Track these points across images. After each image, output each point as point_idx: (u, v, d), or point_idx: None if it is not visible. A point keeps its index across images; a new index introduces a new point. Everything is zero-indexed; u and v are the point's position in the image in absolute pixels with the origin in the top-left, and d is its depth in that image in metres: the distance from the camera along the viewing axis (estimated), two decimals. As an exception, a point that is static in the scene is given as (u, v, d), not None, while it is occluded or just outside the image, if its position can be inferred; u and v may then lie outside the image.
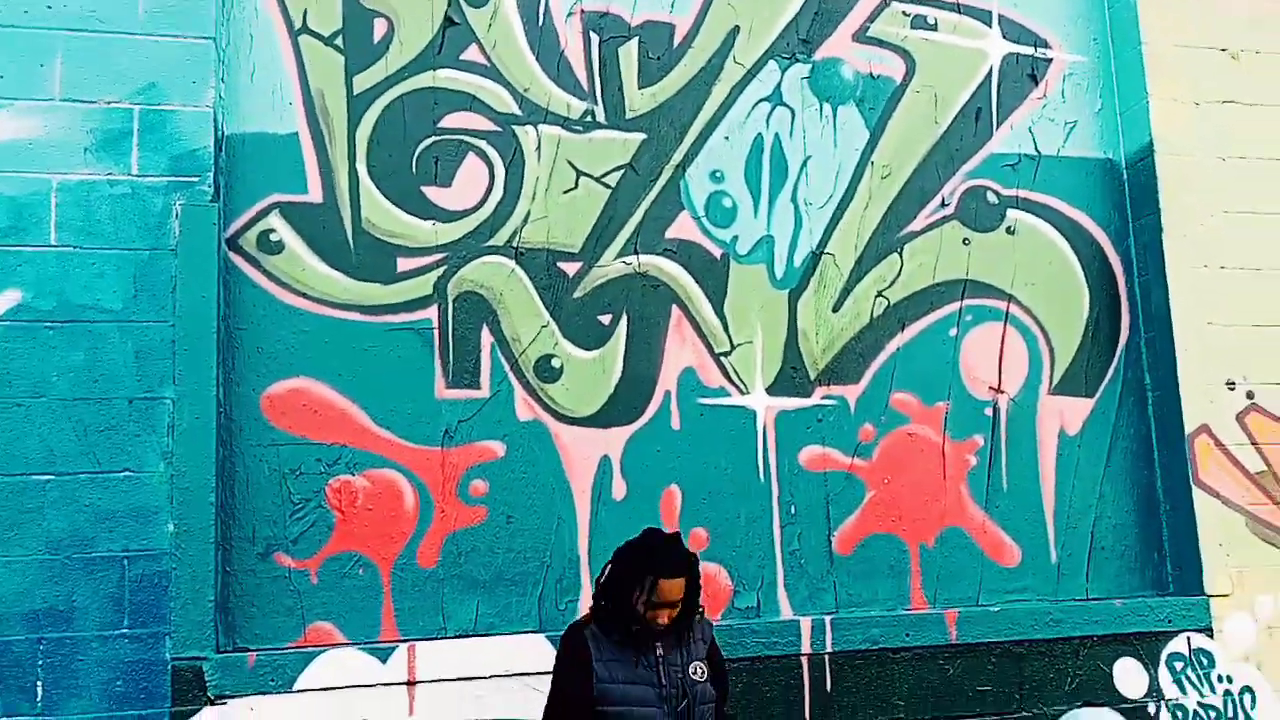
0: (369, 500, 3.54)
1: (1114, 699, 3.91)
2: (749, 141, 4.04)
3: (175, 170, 3.43)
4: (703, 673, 2.85)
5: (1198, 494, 4.09)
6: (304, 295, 3.62)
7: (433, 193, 3.77)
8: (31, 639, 3.14)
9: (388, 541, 3.54)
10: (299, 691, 3.28)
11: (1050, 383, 4.22)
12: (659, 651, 2.82)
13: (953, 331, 4.15)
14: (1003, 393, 4.16)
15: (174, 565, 3.24)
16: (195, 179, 3.43)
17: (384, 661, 3.36)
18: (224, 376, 3.45)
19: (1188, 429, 4.11)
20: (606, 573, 2.86)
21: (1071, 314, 4.28)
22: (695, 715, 2.81)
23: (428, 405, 3.63)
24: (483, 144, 3.83)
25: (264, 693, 3.25)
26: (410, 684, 3.36)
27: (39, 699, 3.12)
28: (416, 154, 3.77)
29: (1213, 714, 4.01)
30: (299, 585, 3.46)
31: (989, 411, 4.13)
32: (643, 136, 3.92)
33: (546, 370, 3.77)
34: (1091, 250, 4.35)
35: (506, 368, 3.73)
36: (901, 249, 4.14)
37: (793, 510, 3.88)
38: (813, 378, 3.98)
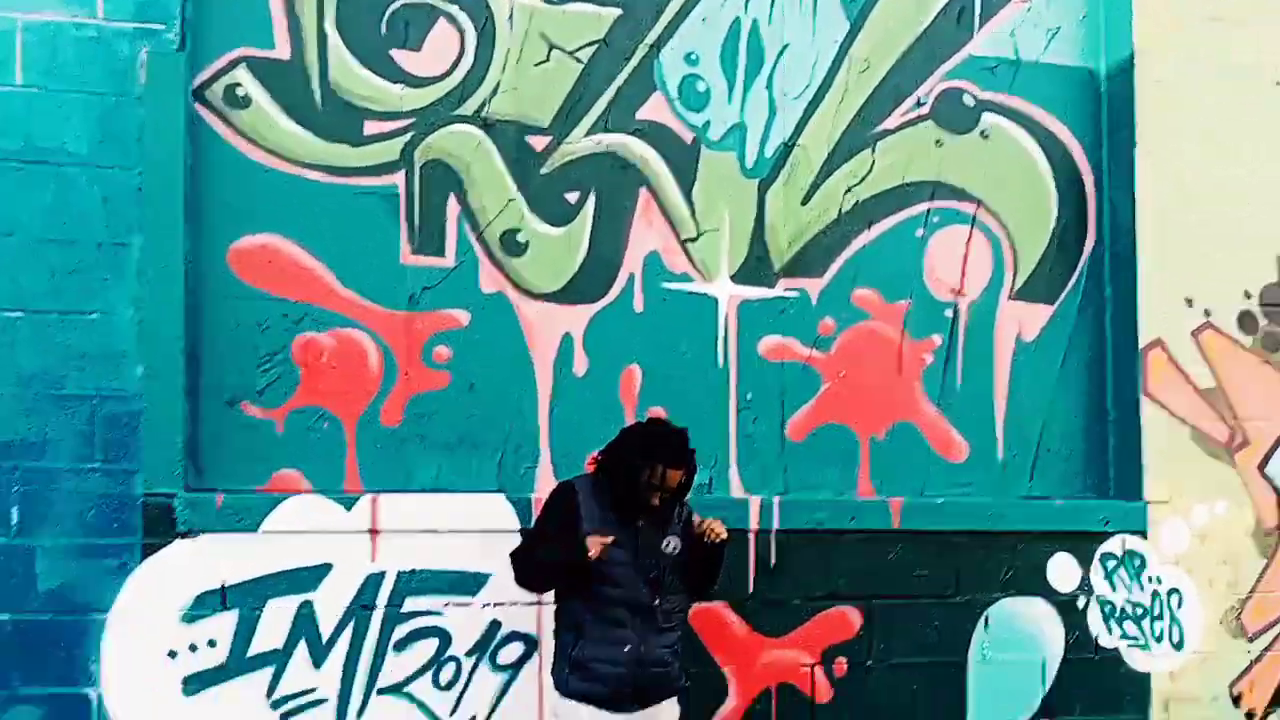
0: (334, 358, 3.99)
1: (1046, 591, 4.50)
2: (726, 25, 4.44)
3: (141, 16, 3.76)
4: (674, 546, 3.45)
5: (1146, 404, 4.63)
6: (271, 152, 3.99)
7: (401, 57, 4.15)
8: (6, 467, 3.60)
9: (352, 399, 4.00)
10: (265, 533, 3.78)
11: (1012, 288, 4.73)
12: (639, 523, 3.43)
13: (919, 232, 4.64)
14: (963, 295, 4.67)
15: (143, 407, 3.69)
16: (161, 26, 3.78)
17: (348, 510, 3.85)
18: (191, 228, 3.84)
19: (1142, 342, 4.64)
20: (615, 447, 3.44)
21: (1039, 222, 4.77)
22: (664, 583, 3.42)
23: (393, 270, 4.07)
24: (454, 9, 4.21)
25: (232, 531, 3.74)
26: (373, 532, 3.87)
27: (13, 524, 3.59)
28: (386, 16, 4.13)
29: (1139, 610, 4.61)
30: (265, 434, 3.92)
31: (949, 313, 4.64)
32: (618, 12, 4.31)
33: (512, 244, 4.22)
34: (1064, 160, 4.82)
35: (472, 239, 4.18)
36: (874, 146, 4.59)
37: (749, 397, 4.38)
38: (776, 269, 4.46)
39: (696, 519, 3.48)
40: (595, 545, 3.31)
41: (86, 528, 3.62)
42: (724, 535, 3.46)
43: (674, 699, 3.47)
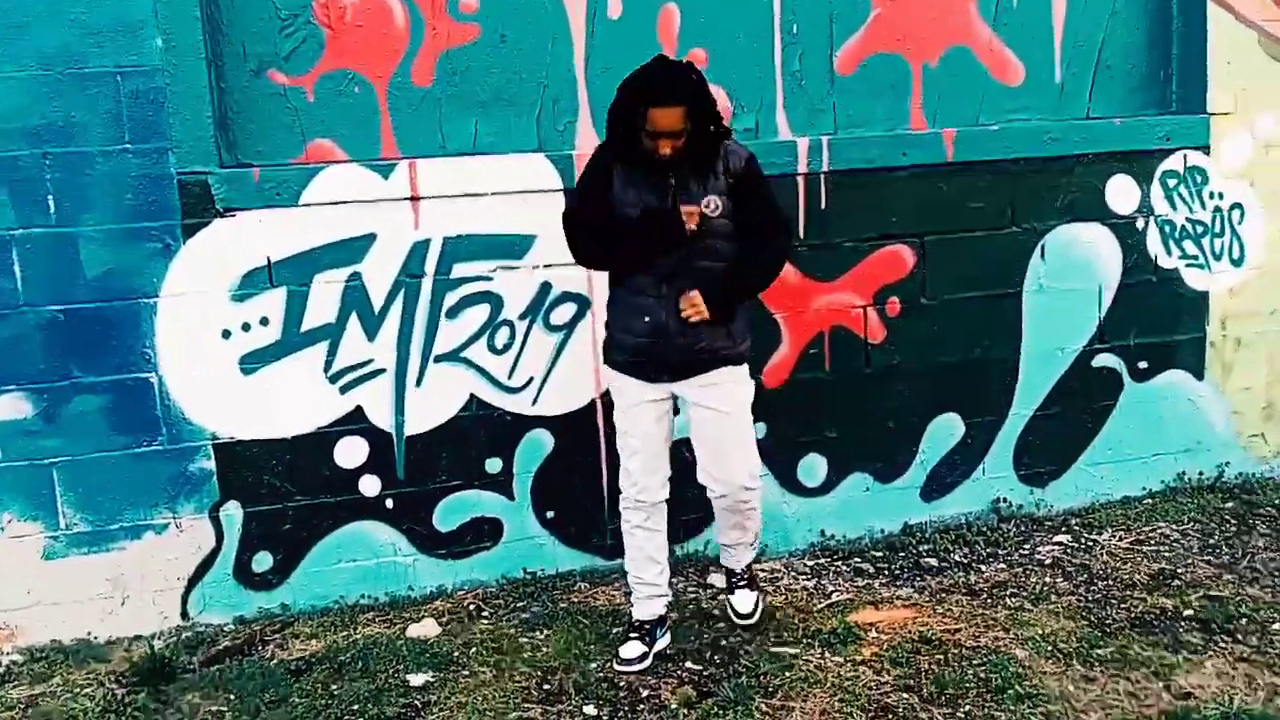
0: (358, 16, 4.40)
1: (1105, 215, 5.22)
2: None
3: None
4: (715, 206, 3.62)
5: (1212, 9, 5.14)
6: None
7: None
8: (36, 154, 4.12)
9: (381, 59, 4.44)
10: (305, 205, 4.40)
11: (1074, -110, 5.11)
12: (671, 180, 3.69)
13: None
14: (1021, -101, 5.06)
15: (167, 81, 4.19)
16: None
17: (386, 178, 4.44)
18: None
19: (1212, -63, 5.10)
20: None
21: None
22: (693, 250, 3.62)
23: (410, -87, 4.45)
24: None
25: (271, 206, 4.35)
26: (414, 199, 4.50)
27: (51, 212, 4.20)
28: None
29: (1200, 229, 5.35)
30: (296, 103, 4.43)
31: (1006, -80, 5.06)
32: None
33: (535, -124, 4.52)
34: None
35: (490, -127, 4.49)
36: None
37: (794, 29, 4.86)
38: (818, -116, 4.82)
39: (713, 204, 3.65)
40: (691, 217, 3.55)
41: (125, 211, 4.16)
42: (703, 315, 3.60)
43: (734, 367, 3.75)
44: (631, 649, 3.97)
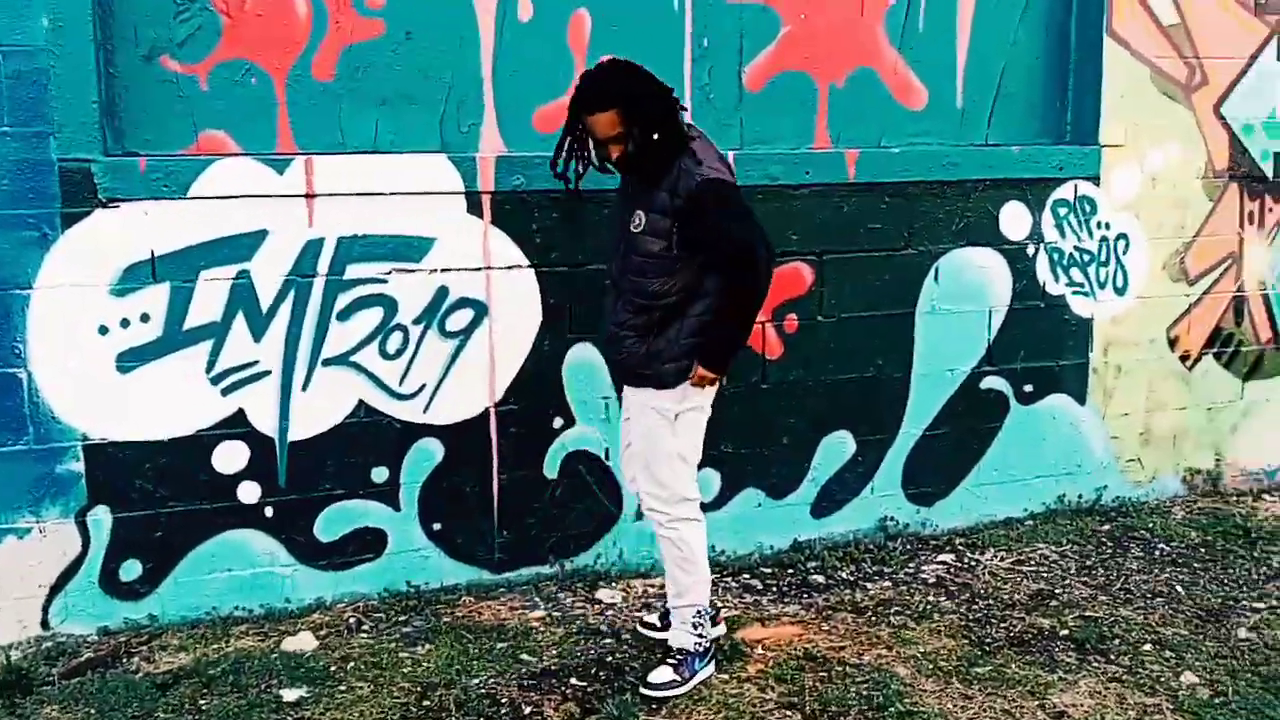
0: (257, 5, 4.20)
1: (997, 240, 5.35)
2: None
3: None
4: (641, 222, 3.57)
5: (1109, 44, 5.32)
6: None
7: None
8: (-94, 132, 3.91)
9: (280, 50, 4.29)
10: (194, 198, 4.23)
11: (978, -80, 5.22)
12: (630, 190, 3.76)
13: None
14: (929, -74, 5.14)
15: (52, 63, 3.97)
16: None
17: (281, 173, 4.30)
18: None
19: (1109, -25, 5.25)
20: None
21: None
22: (626, 262, 3.65)
23: (315, -97, 4.30)
24: None
25: (158, 198, 4.17)
26: (309, 196, 4.37)
27: (-81, 195, 3.96)
28: None
29: (1086, 257, 5.52)
30: (188, 91, 4.25)
31: (913, -52, 5.14)
32: None
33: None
34: None
35: None
36: None
37: (705, 43, 4.85)
38: (732, -102, 4.82)
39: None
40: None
41: (1, 197, 3.98)
42: (709, 378, 3.70)
43: (653, 390, 3.69)
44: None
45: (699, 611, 3.85)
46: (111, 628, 4.29)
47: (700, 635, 3.85)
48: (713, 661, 3.93)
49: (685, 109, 3.75)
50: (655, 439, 3.74)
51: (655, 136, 3.48)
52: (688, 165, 3.51)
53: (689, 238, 3.51)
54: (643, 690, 3.79)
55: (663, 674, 3.81)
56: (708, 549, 3.93)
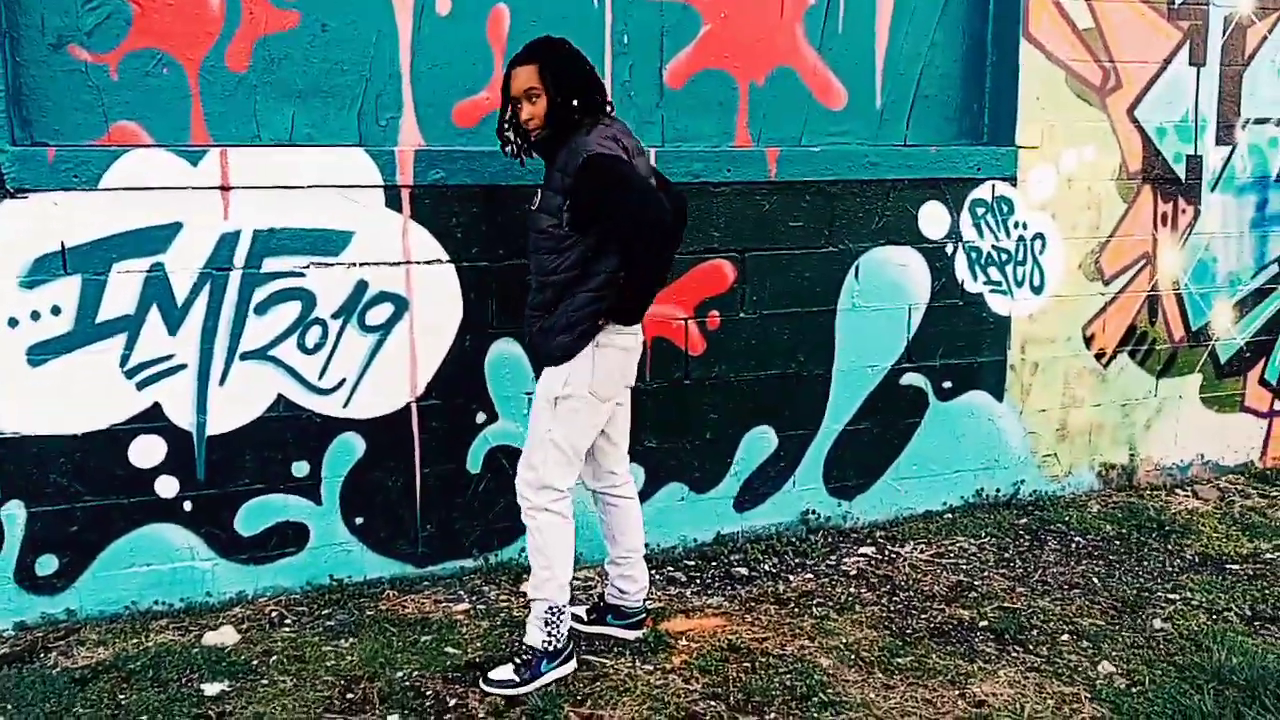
0: (168, -8, 4.25)
1: (916, 239, 5.39)
2: None
3: None
4: (537, 199, 3.67)
5: (1025, 47, 5.39)
6: None
7: None
8: None
9: (193, 41, 4.24)
10: (106, 190, 4.16)
11: (897, -77, 5.27)
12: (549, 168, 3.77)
13: None
14: (848, -72, 5.19)
15: (-43, 50, 3.93)
16: None
17: (195, 165, 4.24)
18: None
19: (1025, -21, 5.33)
20: None
21: None
22: (528, 241, 3.73)
23: (229, -110, 4.27)
24: None
25: (68, 189, 4.10)
26: (224, 189, 4.31)
27: None
28: None
29: (1004, 256, 5.58)
30: (98, 81, 4.19)
31: (832, -51, 5.18)
32: None
33: None
34: None
35: None
36: None
37: (625, 40, 4.86)
38: (653, -104, 4.84)
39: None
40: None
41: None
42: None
43: (550, 366, 3.70)
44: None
45: (550, 609, 3.75)
46: (28, 623, 4.22)
47: (551, 634, 3.77)
48: (568, 662, 3.83)
49: (611, 104, 3.70)
50: (536, 420, 3.74)
51: (574, 103, 3.55)
52: (578, 143, 3.53)
53: (578, 214, 3.53)
54: (481, 684, 3.75)
55: (502, 672, 3.77)
56: (574, 550, 3.87)
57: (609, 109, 3.74)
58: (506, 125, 3.80)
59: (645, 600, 4.17)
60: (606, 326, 3.64)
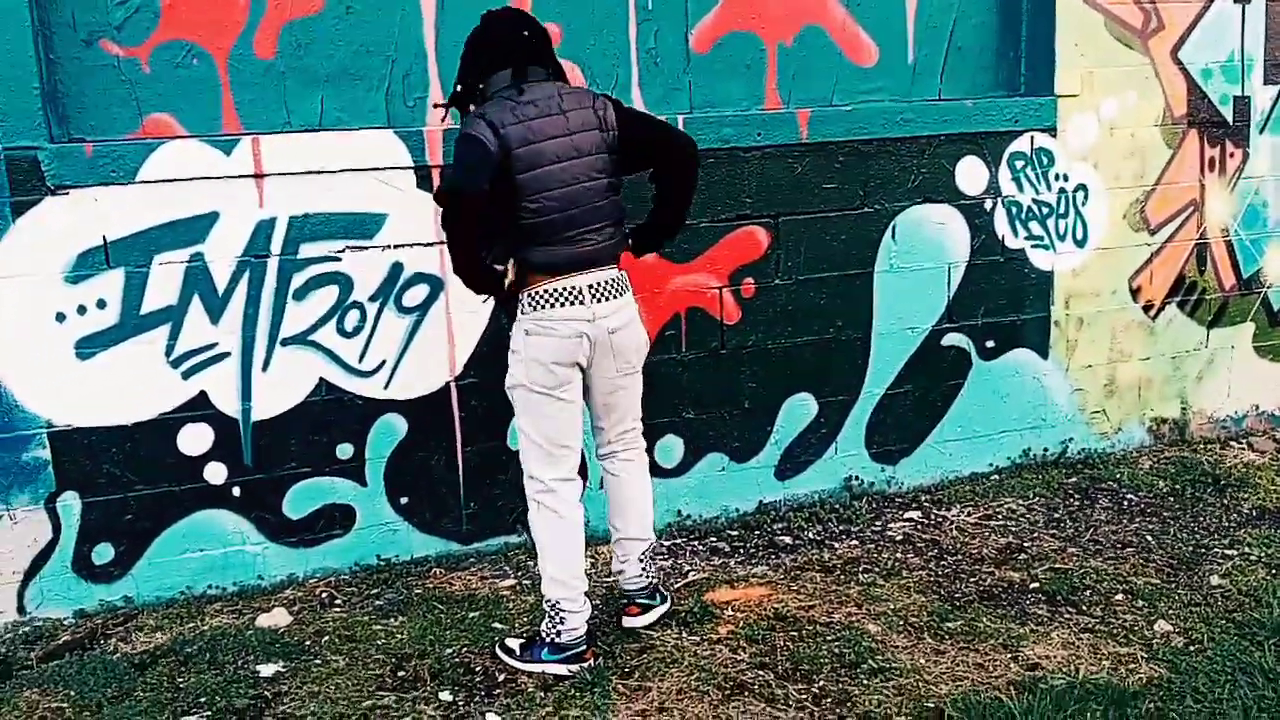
0: (195, -16, 4.32)
1: (953, 196, 5.37)
2: None
3: None
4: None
5: (1062, -8, 5.32)
6: None
7: None
8: None
9: (221, 30, 4.32)
10: (143, 183, 4.26)
11: (925, -128, 5.22)
12: None
13: None
14: (874, -119, 5.14)
15: (-10, 51, 4.02)
16: None
17: (228, 154, 4.33)
18: None
19: (1060, -78, 5.25)
20: None
21: None
22: None
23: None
24: None
25: (106, 183, 4.21)
26: (258, 177, 4.40)
27: None
28: None
29: (1045, 210, 5.54)
30: (130, 75, 4.29)
31: (859, -99, 5.14)
32: None
33: None
34: None
35: None
36: None
37: (649, 6, 4.87)
38: None
39: None
40: None
41: (-53, 201, 3.99)
42: None
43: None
44: None
45: (549, 602, 3.76)
46: (87, 610, 4.35)
47: (551, 629, 3.76)
48: (571, 664, 3.77)
49: (488, 84, 3.70)
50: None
51: (457, 89, 3.69)
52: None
53: None
54: (496, 648, 3.87)
55: (514, 641, 3.89)
56: (575, 549, 3.84)
57: (480, 90, 3.68)
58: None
59: (644, 595, 4.13)
60: (529, 312, 3.64)
